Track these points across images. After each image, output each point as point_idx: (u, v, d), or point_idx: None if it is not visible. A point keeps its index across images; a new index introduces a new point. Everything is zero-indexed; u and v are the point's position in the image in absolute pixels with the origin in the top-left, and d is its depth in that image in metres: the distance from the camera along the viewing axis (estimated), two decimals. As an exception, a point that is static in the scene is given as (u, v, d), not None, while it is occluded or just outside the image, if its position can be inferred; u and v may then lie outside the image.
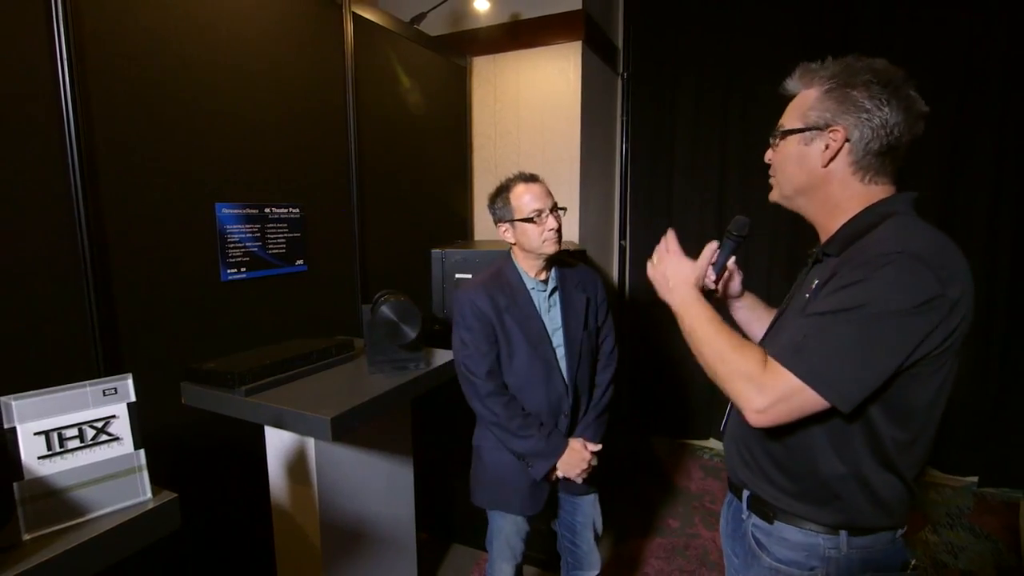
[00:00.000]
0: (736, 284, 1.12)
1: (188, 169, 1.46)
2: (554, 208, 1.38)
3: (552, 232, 1.37)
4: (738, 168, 2.99)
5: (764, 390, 0.78)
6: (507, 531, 1.51)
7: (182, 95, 1.43)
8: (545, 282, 1.45)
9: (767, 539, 0.92)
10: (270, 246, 1.70)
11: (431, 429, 2.10)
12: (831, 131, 0.83)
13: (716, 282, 1.06)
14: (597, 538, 1.55)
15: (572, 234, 2.68)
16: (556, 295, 1.45)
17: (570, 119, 2.61)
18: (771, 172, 0.93)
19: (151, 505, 0.88)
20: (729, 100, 2.92)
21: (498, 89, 2.74)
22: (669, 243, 1.01)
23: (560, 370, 1.43)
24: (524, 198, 1.38)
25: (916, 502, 0.89)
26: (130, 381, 0.89)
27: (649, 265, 1.02)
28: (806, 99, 0.87)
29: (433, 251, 2.05)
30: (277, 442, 1.40)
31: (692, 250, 1.02)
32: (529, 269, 1.44)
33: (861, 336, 0.74)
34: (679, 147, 3.07)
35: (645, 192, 3.16)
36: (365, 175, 2.06)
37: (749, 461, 0.95)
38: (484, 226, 2.89)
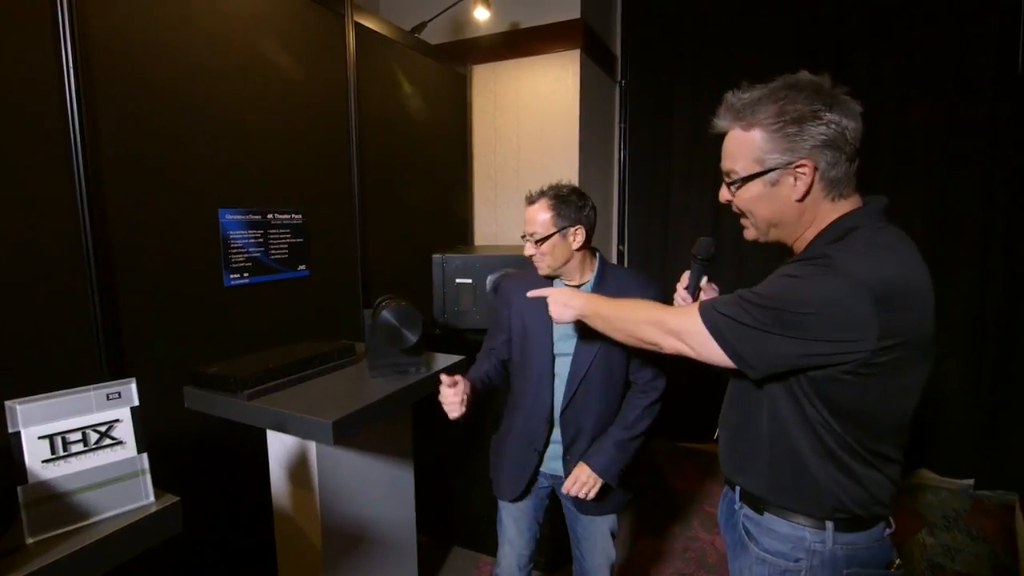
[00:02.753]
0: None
1: (192, 175, 1.46)
2: (532, 236, 1.35)
3: (534, 256, 1.35)
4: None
5: (667, 322, 0.91)
6: (502, 515, 1.51)
7: (187, 102, 1.44)
8: (577, 286, 1.37)
9: (756, 530, 0.94)
10: (273, 251, 1.70)
11: (432, 433, 2.09)
12: (797, 167, 0.83)
13: (694, 302, 1.08)
14: (611, 571, 1.46)
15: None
16: None
17: (569, 126, 2.62)
18: (738, 212, 0.94)
19: (154, 508, 0.88)
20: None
21: (498, 97, 2.76)
22: (546, 291, 1.18)
23: (550, 390, 1.37)
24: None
25: (899, 497, 0.91)
26: (133, 385, 0.89)
27: (551, 312, 1.15)
28: (751, 141, 0.86)
29: (434, 256, 2.05)
30: (279, 446, 1.39)
31: (687, 252, 1.05)
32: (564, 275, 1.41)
33: (770, 324, 0.79)
34: (676, 154, 3.08)
35: (643, 198, 3.16)
36: (366, 181, 2.07)
37: (742, 454, 0.97)
38: (484, 231, 2.90)
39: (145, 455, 0.89)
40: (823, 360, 0.78)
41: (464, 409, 1.30)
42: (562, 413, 1.38)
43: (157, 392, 1.35)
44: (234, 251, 1.58)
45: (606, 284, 1.37)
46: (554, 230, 1.33)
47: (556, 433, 1.41)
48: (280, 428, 1.22)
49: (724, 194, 0.94)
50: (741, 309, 0.83)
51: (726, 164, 0.91)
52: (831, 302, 0.75)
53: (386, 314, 1.42)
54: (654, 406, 1.38)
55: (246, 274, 1.62)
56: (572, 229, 1.34)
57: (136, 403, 0.89)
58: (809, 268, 0.79)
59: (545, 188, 1.39)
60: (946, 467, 2.80)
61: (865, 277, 0.75)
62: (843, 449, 0.84)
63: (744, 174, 0.88)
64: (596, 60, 2.77)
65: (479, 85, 2.79)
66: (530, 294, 1.27)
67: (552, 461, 1.43)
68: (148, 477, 0.89)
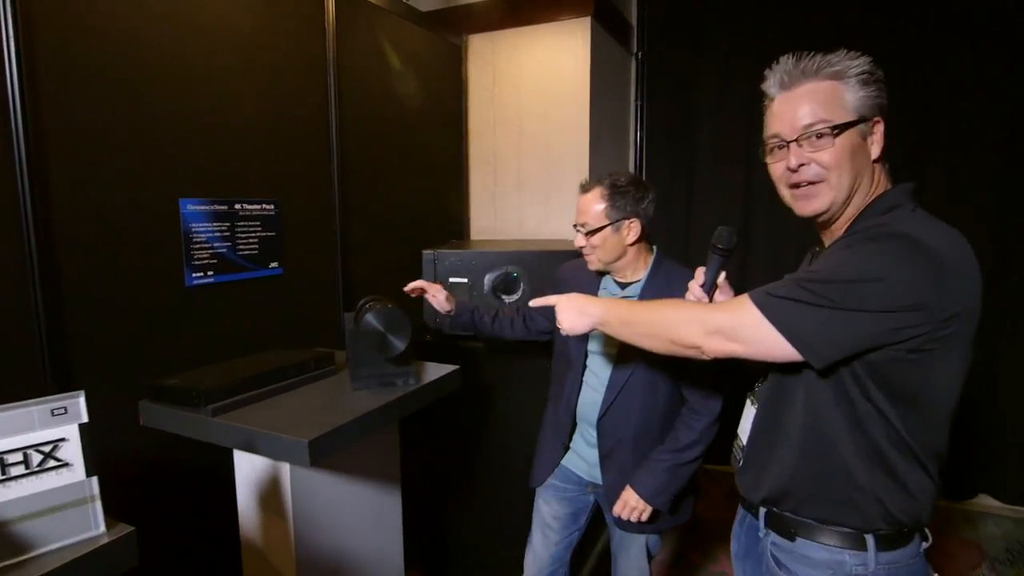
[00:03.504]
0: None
1: (148, 161, 1.46)
2: (581, 225, 1.45)
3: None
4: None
5: (709, 320, 0.92)
6: (536, 501, 1.67)
7: (143, 79, 1.44)
8: (624, 285, 1.45)
9: (787, 558, 0.95)
10: (241, 247, 1.70)
11: (422, 453, 2.09)
12: (874, 123, 0.92)
13: (710, 301, 1.13)
14: None
15: (580, 233, 2.68)
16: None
17: (578, 104, 2.62)
18: (816, 177, 0.94)
19: (105, 540, 0.87)
20: (760, 81, 2.91)
21: (497, 71, 2.75)
22: (554, 299, 1.20)
23: (577, 387, 1.48)
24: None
25: (937, 502, 0.93)
26: (82, 399, 0.89)
27: (560, 322, 1.17)
28: (841, 91, 0.91)
29: (425, 252, 2.05)
30: (248, 468, 1.39)
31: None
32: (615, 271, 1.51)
33: (836, 299, 0.83)
34: (700, 135, 3.08)
35: (663, 186, 3.15)
36: (348, 167, 2.06)
37: (766, 464, 0.98)
38: (482, 224, 2.90)
39: (95, 479, 0.89)
40: (889, 336, 0.82)
41: (451, 307, 1.67)
42: (599, 420, 1.47)
43: (109, 407, 1.35)
44: (197, 247, 1.58)
45: (656, 281, 1.42)
46: (606, 222, 1.39)
47: (593, 437, 1.51)
48: (249, 448, 1.22)
49: (817, 156, 0.92)
50: (802, 289, 0.85)
51: (817, 113, 0.92)
52: (895, 267, 0.81)
53: (370, 318, 1.42)
54: (709, 429, 1.42)
55: (211, 272, 1.62)
56: (627, 222, 1.40)
57: (85, 419, 0.89)
58: (866, 239, 0.86)
59: (602, 176, 1.46)
60: (1010, 494, 2.79)
61: (925, 240, 0.82)
62: (895, 445, 0.88)
63: (839, 122, 0.90)
64: (609, 28, 2.77)
65: (476, 58, 2.78)
66: (533, 303, 1.31)
67: (594, 469, 1.55)
68: (98, 504, 0.89)
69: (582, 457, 1.59)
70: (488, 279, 2.02)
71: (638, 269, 1.46)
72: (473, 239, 2.88)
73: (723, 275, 1.15)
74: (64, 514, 0.86)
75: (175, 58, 1.51)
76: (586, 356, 1.51)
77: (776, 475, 0.96)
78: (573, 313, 1.15)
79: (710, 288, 1.12)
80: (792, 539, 0.95)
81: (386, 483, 1.64)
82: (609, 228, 1.39)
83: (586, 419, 1.54)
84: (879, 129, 0.93)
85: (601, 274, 1.51)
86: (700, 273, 1.14)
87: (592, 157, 2.65)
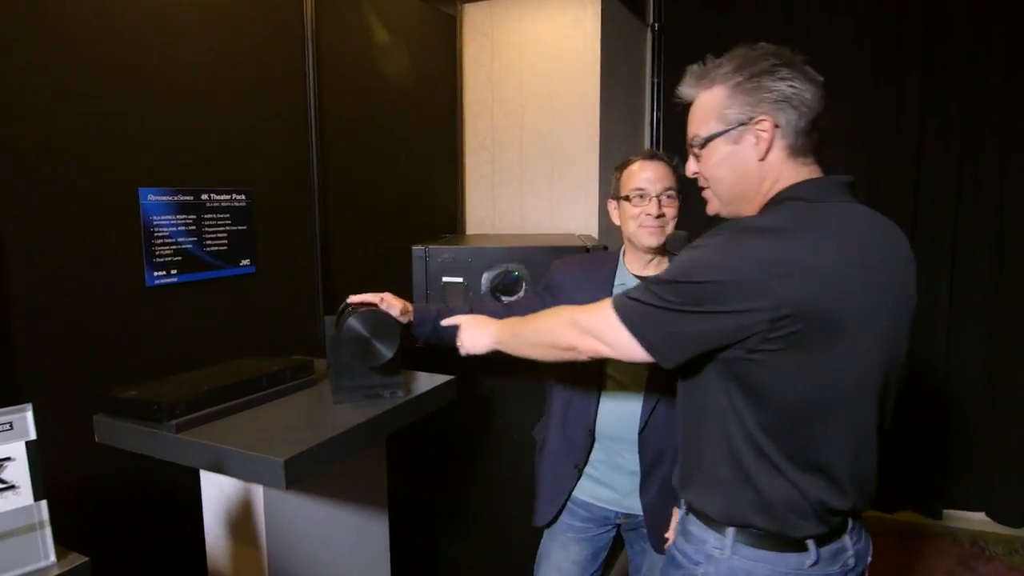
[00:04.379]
0: None
1: (104, 145, 1.46)
2: (666, 193, 1.49)
3: (649, 218, 1.46)
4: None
5: (580, 321, 1.10)
6: (545, 545, 1.64)
7: (93, 53, 1.44)
8: (643, 279, 1.46)
9: (681, 528, 1.16)
10: (208, 242, 1.70)
11: (412, 474, 2.09)
12: (757, 123, 1.02)
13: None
14: None
15: (591, 226, 2.68)
16: None
17: (586, 82, 2.62)
18: (702, 184, 1.13)
19: (55, 572, 0.87)
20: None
21: (496, 45, 2.76)
22: (459, 319, 1.44)
23: (596, 397, 1.48)
24: (635, 174, 1.51)
25: (834, 525, 1.02)
26: (30, 414, 0.89)
27: (461, 341, 1.39)
28: (715, 98, 1.06)
29: (414, 248, 2.06)
30: (216, 491, 1.39)
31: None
32: (632, 262, 1.53)
33: (675, 301, 0.96)
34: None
35: (681, 169, 3.16)
36: (328, 153, 2.07)
37: (676, 455, 1.19)
38: (479, 217, 2.90)
39: (44, 503, 0.89)
40: (728, 336, 0.94)
41: (408, 316, 1.54)
42: (641, 433, 1.47)
43: (60, 422, 1.35)
44: (159, 242, 1.58)
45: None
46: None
47: (628, 457, 1.51)
48: (217, 468, 1.22)
49: (691, 166, 1.14)
50: (649, 292, 1.00)
51: (691, 131, 1.11)
52: (723, 267, 0.93)
53: (353, 322, 1.42)
54: None
55: (174, 271, 1.62)
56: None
57: (33, 436, 0.89)
58: (710, 238, 0.98)
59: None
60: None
61: (756, 240, 0.93)
62: (748, 444, 1.00)
63: (707, 134, 1.07)
64: (622, -3, 2.77)
65: (472, 30, 2.79)
66: (444, 323, 1.48)
67: (627, 498, 1.53)
68: (48, 531, 0.89)
69: (609, 486, 1.55)
70: (486, 278, 2.02)
71: (647, 265, 1.53)
72: (469, 234, 2.89)
73: None
74: (10, 542, 0.86)
75: (132, 30, 1.51)
76: (604, 361, 1.47)
77: (678, 459, 1.19)
78: (474, 331, 1.36)
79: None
80: (687, 513, 1.14)
81: (371, 508, 1.64)
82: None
83: (615, 436, 1.51)
84: (765, 127, 1.01)
85: (614, 265, 1.54)
86: None
87: (603, 141, 2.65)
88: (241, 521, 1.36)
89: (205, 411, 1.31)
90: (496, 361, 1.98)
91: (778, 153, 1.03)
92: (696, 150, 1.10)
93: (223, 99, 1.73)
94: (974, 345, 2.93)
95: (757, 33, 2.94)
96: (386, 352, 1.43)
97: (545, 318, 1.23)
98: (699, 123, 1.09)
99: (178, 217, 1.62)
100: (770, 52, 1.03)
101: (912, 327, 1.06)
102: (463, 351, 1.39)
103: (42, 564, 0.88)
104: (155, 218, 1.57)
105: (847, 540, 1.05)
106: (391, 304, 1.50)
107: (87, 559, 0.90)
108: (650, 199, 1.48)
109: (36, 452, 0.89)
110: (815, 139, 1.04)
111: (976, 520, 3.01)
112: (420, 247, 2.05)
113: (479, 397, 2.05)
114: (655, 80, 3.16)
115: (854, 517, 1.08)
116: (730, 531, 1.04)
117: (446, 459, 2.15)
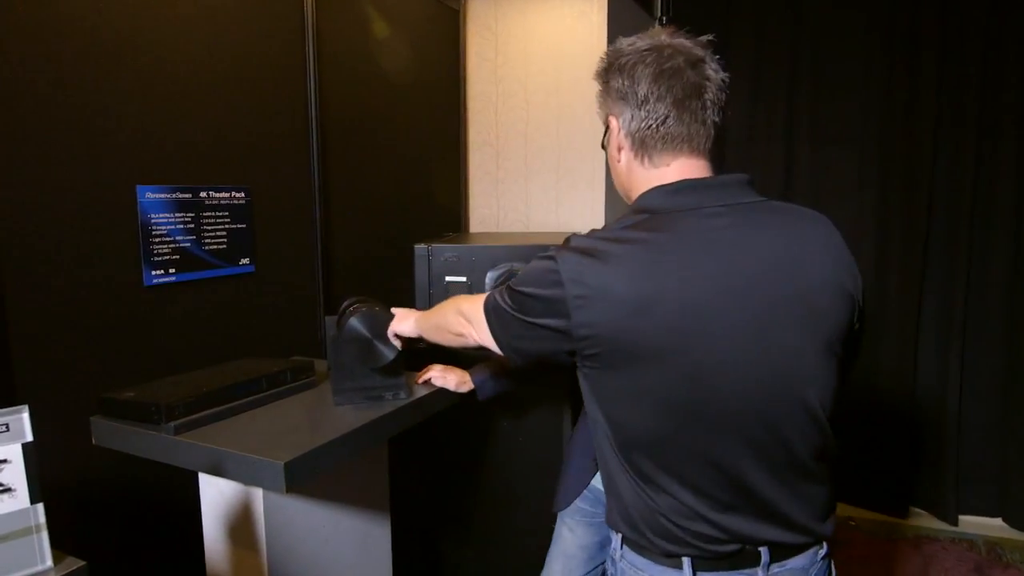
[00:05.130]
0: None
1: (100, 142, 1.46)
2: None
3: None
4: (809, 139, 2.99)
5: (465, 310, 1.17)
6: (558, 528, 1.68)
7: (94, 48, 1.44)
8: None
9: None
10: (207, 241, 1.71)
11: (415, 478, 2.09)
12: (609, 123, 1.06)
13: None
14: None
15: (598, 225, 2.67)
16: None
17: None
18: None
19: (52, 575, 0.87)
20: (798, 52, 2.93)
21: (500, 39, 2.75)
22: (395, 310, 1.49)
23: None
24: None
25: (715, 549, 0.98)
26: (26, 415, 0.89)
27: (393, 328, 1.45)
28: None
29: (417, 247, 2.05)
30: (215, 494, 1.39)
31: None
32: None
33: (516, 306, 1.01)
34: (733, 111, 3.06)
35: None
36: (329, 150, 2.07)
37: None
38: (483, 214, 2.90)
39: (41, 506, 0.89)
40: (547, 346, 0.99)
41: (462, 380, 1.62)
42: None
43: (56, 424, 1.35)
44: (157, 240, 1.58)
45: None
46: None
47: None
48: (216, 471, 1.22)
49: None
50: (506, 290, 1.05)
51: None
52: (541, 282, 0.96)
53: (355, 322, 1.42)
54: None
55: (172, 270, 1.62)
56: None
57: (29, 438, 0.89)
58: (555, 249, 0.99)
59: None
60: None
61: (568, 259, 0.94)
62: (613, 454, 1.02)
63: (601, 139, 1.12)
64: (629, -10, 2.77)
65: (476, 24, 2.78)
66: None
67: None
68: (45, 534, 0.89)
69: None
70: (490, 277, 2.01)
71: None
72: (472, 232, 2.88)
73: None
74: (6, 546, 0.86)
75: (128, 23, 1.51)
76: None
77: None
78: (399, 321, 1.43)
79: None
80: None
81: (373, 512, 1.64)
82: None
83: None
84: (612, 128, 1.04)
85: None
86: None
87: (609, 137, 2.65)
88: (241, 525, 1.36)
89: (204, 413, 1.31)
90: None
91: (628, 154, 1.04)
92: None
93: (222, 95, 1.73)
94: (990, 348, 2.92)
95: (765, 26, 2.96)
96: (388, 353, 1.44)
97: (446, 305, 1.28)
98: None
99: (176, 215, 1.63)
100: (619, 47, 1.03)
101: (843, 334, 0.95)
102: (390, 331, 1.44)
103: (38, 568, 0.88)
104: (153, 216, 1.57)
105: (759, 574, 0.98)
106: (446, 380, 1.60)
107: (84, 563, 0.90)
108: None
109: (32, 454, 0.89)
110: (680, 134, 0.98)
111: (993, 526, 3.00)
112: (423, 245, 2.05)
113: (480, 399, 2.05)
114: (663, 74, 3.15)
115: (771, 548, 0.99)
116: (617, 534, 1.08)
117: (449, 462, 2.15)
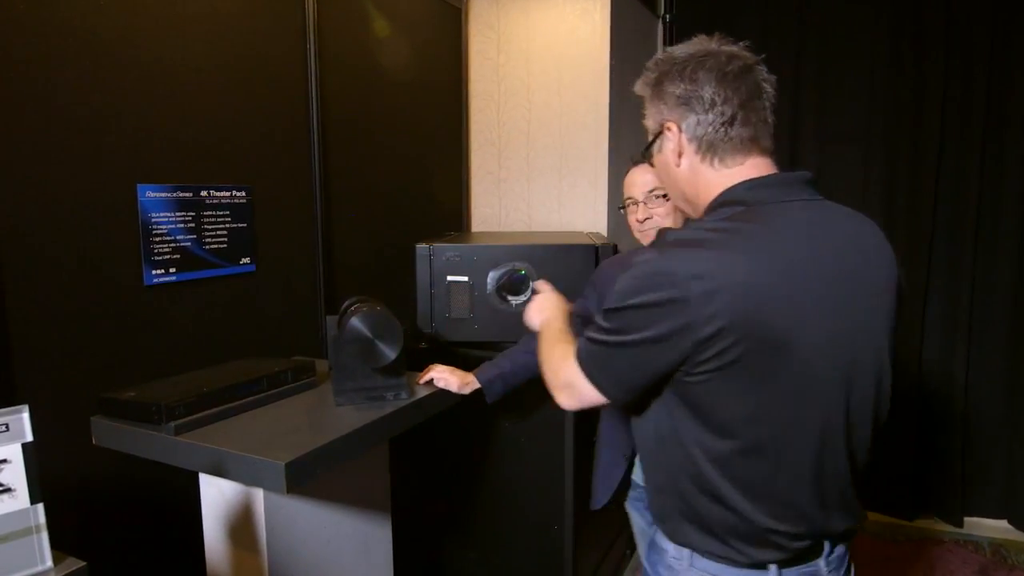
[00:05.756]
0: None
1: (101, 141, 1.46)
2: (652, 195, 1.54)
3: (638, 223, 1.57)
4: (814, 138, 2.99)
5: (558, 378, 1.10)
6: (629, 512, 1.80)
7: (92, 46, 1.44)
8: None
9: (652, 540, 1.16)
10: (208, 240, 1.71)
11: (416, 479, 2.09)
12: (666, 129, 1.03)
13: None
14: None
15: (600, 225, 2.67)
16: None
17: (596, 75, 2.61)
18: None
19: (52, 576, 0.87)
20: (803, 51, 2.92)
21: (502, 38, 2.75)
22: (542, 286, 1.46)
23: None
24: (627, 182, 1.61)
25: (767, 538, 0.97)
26: (26, 415, 0.89)
27: (528, 315, 1.39)
28: (645, 107, 1.09)
29: (418, 247, 2.05)
30: (215, 494, 1.39)
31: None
32: None
33: (610, 328, 0.96)
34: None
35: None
36: (331, 149, 2.07)
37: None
38: (484, 214, 2.90)
39: (41, 506, 0.89)
40: (660, 361, 0.92)
41: (471, 383, 1.63)
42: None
43: (57, 424, 1.35)
44: (157, 240, 1.58)
45: None
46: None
47: None
48: (217, 472, 1.22)
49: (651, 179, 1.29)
50: (595, 324, 0.99)
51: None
52: (640, 290, 0.91)
53: (356, 322, 1.42)
54: None
55: (173, 269, 1.62)
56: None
57: (29, 438, 0.89)
58: (642, 254, 0.96)
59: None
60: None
61: (668, 258, 0.91)
62: (685, 466, 0.99)
63: (645, 146, 1.10)
64: (632, -12, 2.76)
65: (478, 22, 2.78)
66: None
67: None
68: (45, 535, 0.89)
69: None
70: (492, 277, 2.01)
71: None
72: (474, 231, 2.88)
73: None
74: (6, 547, 0.86)
75: (130, 25, 1.51)
76: None
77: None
78: (535, 310, 1.37)
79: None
80: (652, 522, 1.15)
81: (374, 513, 1.64)
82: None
83: None
84: (671, 134, 1.03)
85: None
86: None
87: (613, 136, 2.65)
88: (241, 525, 1.37)
89: (204, 413, 1.31)
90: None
91: (692, 158, 1.02)
92: (648, 158, 1.13)
93: (223, 93, 1.73)
94: (995, 348, 2.91)
95: (770, 24, 2.95)
96: (389, 353, 1.44)
97: (558, 343, 1.17)
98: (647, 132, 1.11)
99: (177, 214, 1.63)
100: (674, 54, 1.04)
101: (895, 326, 1.01)
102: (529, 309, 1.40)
103: (38, 568, 0.88)
104: (153, 215, 1.57)
105: (821, 564, 1.02)
106: (448, 381, 1.59)
107: (84, 564, 0.90)
108: (638, 204, 1.57)
109: (33, 454, 0.89)
110: (748, 135, 0.99)
111: (998, 528, 2.99)
112: (424, 245, 2.05)
113: (484, 400, 2.05)
114: (666, 73, 3.15)
115: (833, 539, 1.03)
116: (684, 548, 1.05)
117: (450, 463, 2.15)
